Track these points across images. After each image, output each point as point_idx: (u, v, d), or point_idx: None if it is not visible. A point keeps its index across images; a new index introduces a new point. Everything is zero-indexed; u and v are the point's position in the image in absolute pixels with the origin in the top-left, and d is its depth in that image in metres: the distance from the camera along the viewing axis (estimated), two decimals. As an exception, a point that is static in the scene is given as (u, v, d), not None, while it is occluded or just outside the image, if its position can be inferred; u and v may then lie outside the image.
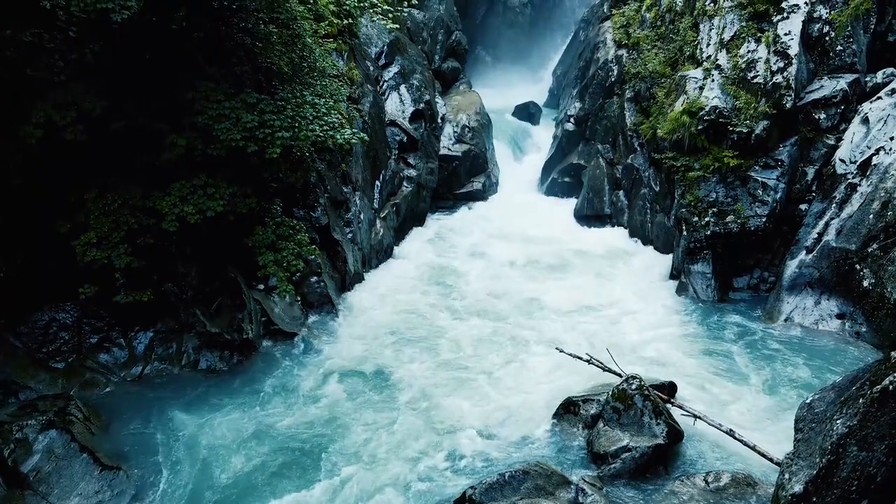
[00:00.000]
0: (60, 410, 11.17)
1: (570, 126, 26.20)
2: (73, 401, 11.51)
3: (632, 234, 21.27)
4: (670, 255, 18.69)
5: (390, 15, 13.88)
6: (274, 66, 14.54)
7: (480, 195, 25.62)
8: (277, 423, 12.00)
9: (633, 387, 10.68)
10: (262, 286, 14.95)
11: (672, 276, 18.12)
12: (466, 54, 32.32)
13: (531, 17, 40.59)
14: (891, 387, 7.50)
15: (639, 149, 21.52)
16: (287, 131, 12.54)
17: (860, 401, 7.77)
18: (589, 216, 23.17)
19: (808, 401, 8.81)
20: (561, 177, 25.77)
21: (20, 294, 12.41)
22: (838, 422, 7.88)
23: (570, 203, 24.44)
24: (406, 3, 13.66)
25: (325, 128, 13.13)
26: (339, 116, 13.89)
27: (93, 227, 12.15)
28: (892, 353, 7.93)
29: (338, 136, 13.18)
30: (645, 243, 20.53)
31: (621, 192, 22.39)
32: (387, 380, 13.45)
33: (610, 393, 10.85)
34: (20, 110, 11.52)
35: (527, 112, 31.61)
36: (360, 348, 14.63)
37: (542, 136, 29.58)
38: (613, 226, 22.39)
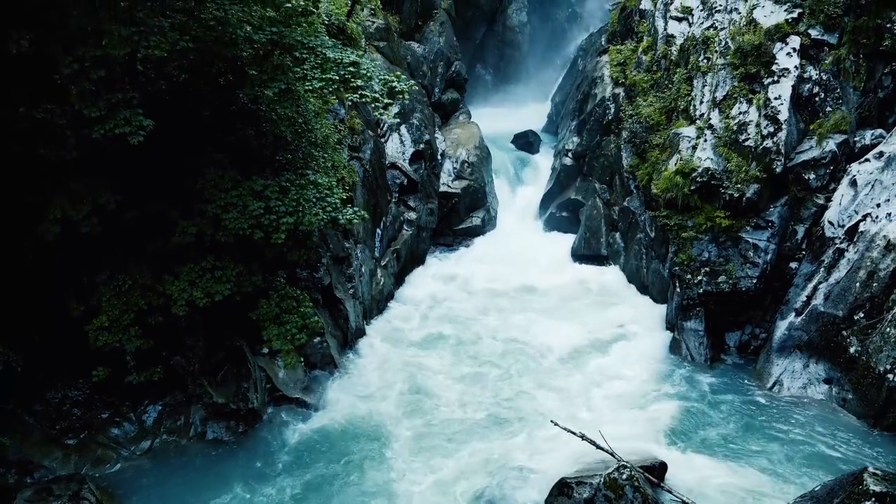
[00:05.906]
0: (74, 495, 11.66)
1: (568, 161, 26.56)
2: (86, 484, 11.97)
3: (629, 279, 21.64)
4: (665, 305, 19.14)
5: (391, 107, 14.28)
6: (278, 131, 14.93)
7: (479, 230, 25.96)
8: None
9: (625, 477, 11.15)
10: (266, 350, 15.29)
11: (667, 328, 18.56)
12: (466, 83, 32.56)
13: (530, 36, 40.80)
14: (863, 515, 7.99)
15: (635, 191, 21.86)
16: (291, 216, 12.95)
17: (834, 526, 8.26)
18: (586, 256, 23.57)
19: (787, 509, 9.30)
20: (559, 211, 26.17)
21: (35, 374, 12.87)
22: (814, 544, 8.39)
23: (568, 239, 24.80)
24: (403, 96, 14.05)
25: (328, 209, 13.54)
26: (341, 193, 14.27)
27: (104, 309, 12.62)
28: (865, 474, 8.40)
29: (340, 218, 13.61)
30: (641, 291, 20.90)
31: (618, 234, 22.79)
32: (374, 463, 13.49)
33: (602, 480, 11.31)
34: (37, 194, 11.92)
35: (526, 140, 31.87)
36: (353, 430, 14.62)
37: (541, 165, 29.73)
38: (609, 266, 22.79)
